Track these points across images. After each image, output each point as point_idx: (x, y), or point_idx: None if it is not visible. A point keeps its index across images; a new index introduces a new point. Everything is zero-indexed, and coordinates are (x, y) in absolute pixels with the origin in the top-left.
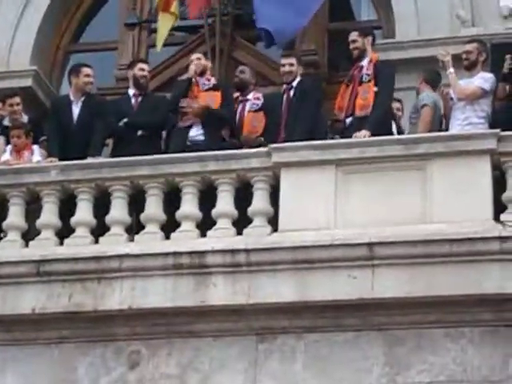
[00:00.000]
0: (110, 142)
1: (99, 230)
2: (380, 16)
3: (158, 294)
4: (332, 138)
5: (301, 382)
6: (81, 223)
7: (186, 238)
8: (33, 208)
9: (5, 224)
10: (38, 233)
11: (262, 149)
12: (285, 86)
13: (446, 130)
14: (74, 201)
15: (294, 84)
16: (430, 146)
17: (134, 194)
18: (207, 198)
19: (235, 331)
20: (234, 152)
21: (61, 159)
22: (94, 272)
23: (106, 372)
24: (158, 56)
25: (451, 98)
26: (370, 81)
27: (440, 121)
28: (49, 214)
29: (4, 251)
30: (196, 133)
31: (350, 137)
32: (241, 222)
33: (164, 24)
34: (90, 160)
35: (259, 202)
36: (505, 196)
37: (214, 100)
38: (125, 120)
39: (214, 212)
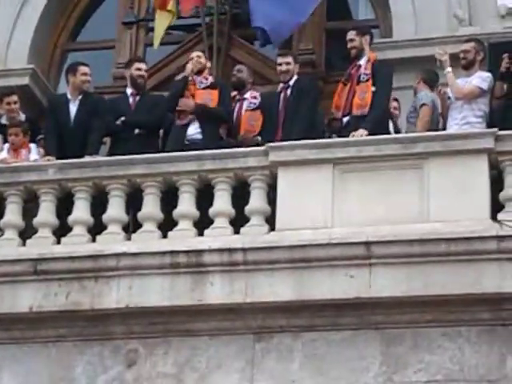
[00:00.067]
0: (107, 140)
1: (96, 229)
2: (377, 15)
3: (155, 292)
4: (329, 137)
5: (298, 381)
6: (78, 222)
7: (184, 237)
8: (30, 206)
9: (2, 222)
10: (35, 231)
11: (259, 148)
12: (282, 85)
13: (444, 129)
14: (71, 199)
15: (291, 83)
16: (427, 145)
17: (132, 193)
18: (204, 196)
19: (232, 330)
20: (232, 151)
21: (58, 158)
22: (91, 271)
23: (103, 370)
24: (156, 55)
25: (449, 98)
26: (367, 80)
27: (437, 120)
28: (46, 213)
29: (1, 249)
30: (193, 131)
31: (347, 136)
32: (238, 221)
33: (161, 22)
34: (87, 159)
35: (256, 200)
36: (502, 195)
37: (211, 98)
38: (122, 118)
39: (211, 211)
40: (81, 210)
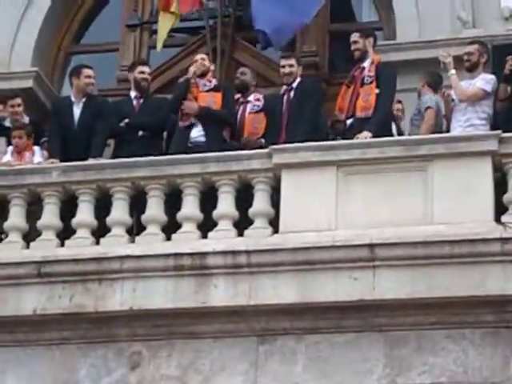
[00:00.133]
0: (111, 142)
1: (100, 231)
2: (381, 17)
3: (158, 295)
4: (333, 139)
5: None
6: (82, 224)
7: (187, 240)
8: (34, 209)
9: (6, 225)
10: (39, 234)
11: (262, 150)
12: (285, 87)
13: (448, 131)
14: (75, 202)
15: (294, 85)
16: (431, 147)
17: (135, 195)
18: (208, 199)
19: (236, 332)
20: (235, 153)
21: (62, 160)
22: (94, 273)
23: (106, 373)
24: (160, 57)
25: (452, 100)
26: (371, 82)
27: (441, 124)
28: (50, 215)
29: (5, 252)
30: (197, 134)
31: (351, 138)
32: (242, 224)
33: (164, 24)
34: (91, 161)
35: (260, 203)
36: (506, 197)
37: (214, 101)
38: (126, 120)
39: (214, 213)
40: (85, 213)
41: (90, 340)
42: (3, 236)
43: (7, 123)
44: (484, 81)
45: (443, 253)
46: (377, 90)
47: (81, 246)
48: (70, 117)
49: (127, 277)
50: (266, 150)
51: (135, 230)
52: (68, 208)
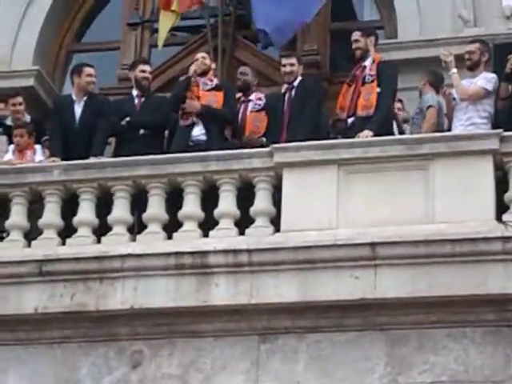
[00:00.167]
0: (112, 140)
1: (101, 230)
2: (382, 16)
3: (160, 293)
4: (334, 138)
5: (303, 382)
6: (83, 223)
7: (188, 238)
8: (35, 208)
9: (7, 223)
10: (41, 232)
11: (264, 149)
12: (286, 86)
13: (449, 130)
14: (76, 200)
15: (296, 84)
16: (432, 146)
17: (136, 194)
18: (209, 197)
19: (237, 331)
20: (236, 152)
21: (63, 159)
22: (96, 272)
23: (108, 372)
24: (161, 56)
25: (454, 99)
26: (372, 81)
27: (442, 123)
28: (51, 214)
29: (6, 251)
30: (198, 133)
31: (352, 137)
32: (243, 222)
33: (165, 22)
34: (92, 160)
35: (261, 202)
36: (507, 196)
37: (216, 100)
38: (127, 119)
39: (216, 212)
40: (86, 211)
41: (91, 339)
42: (4, 234)
43: (8, 122)
44: (485, 79)
45: (444, 252)
46: (378, 89)
47: (82, 244)
48: (71, 115)
49: (128, 275)
50: (267, 149)
51: (136, 228)
52: (69, 206)
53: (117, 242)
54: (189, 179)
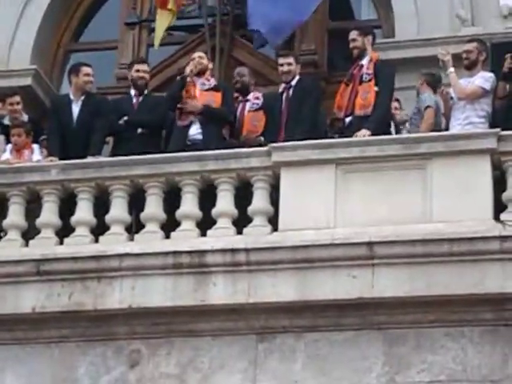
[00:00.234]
0: (110, 140)
1: (99, 230)
2: (380, 15)
3: (157, 293)
4: (332, 137)
5: (300, 381)
6: (81, 222)
7: (186, 238)
8: (33, 207)
9: (5, 223)
10: (38, 232)
11: (261, 148)
12: (284, 85)
13: (447, 129)
14: (74, 200)
15: (293, 83)
16: (430, 145)
17: (134, 194)
18: (207, 197)
19: (235, 330)
20: (234, 151)
21: (61, 158)
22: (93, 271)
23: (106, 371)
24: (159, 55)
25: (451, 98)
26: (370, 80)
27: (440, 123)
28: (49, 213)
29: (4, 250)
30: (195, 132)
31: (350, 136)
32: (241, 222)
33: (161, 22)
34: (90, 159)
35: (259, 201)
36: (505, 195)
37: (214, 100)
38: (125, 118)
39: (213, 211)
40: (83, 211)
41: (88, 338)
42: (2, 234)
43: (6, 121)
44: (483, 79)
45: (442, 251)
46: (375, 88)
47: (80, 244)
48: (68, 115)
49: (126, 275)
50: (265, 148)
51: (134, 228)
52: (67, 206)
53: (115, 242)
54: (186, 178)
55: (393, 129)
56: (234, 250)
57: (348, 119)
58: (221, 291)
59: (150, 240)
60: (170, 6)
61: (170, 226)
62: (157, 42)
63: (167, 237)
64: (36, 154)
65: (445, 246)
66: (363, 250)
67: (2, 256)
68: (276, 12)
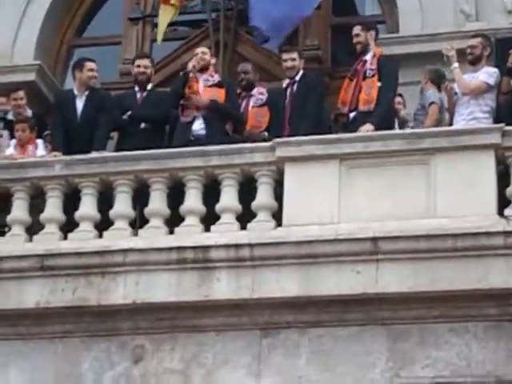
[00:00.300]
0: (114, 135)
1: (103, 225)
2: (384, 11)
3: (161, 288)
4: (336, 133)
5: (304, 377)
6: (85, 217)
7: (190, 233)
8: (37, 202)
9: (9, 218)
10: (42, 227)
11: (265, 143)
12: (288, 81)
13: (451, 124)
14: (78, 195)
15: (297, 78)
16: (434, 140)
17: (138, 189)
18: (211, 192)
19: (239, 326)
20: (238, 146)
21: (65, 153)
22: (97, 266)
23: (110, 366)
24: (162, 51)
25: (455, 93)
26: (373, 76)
27: (444, 120)
28: (53, 209)
29: (8, 245)
30: (198, 127)
31: (354, 131)
32: (245, 217)
33: (164, 17)
34: (94, 154)
35: (263, 196)
36: (509, 191)
37: (218, 96)
38: (128, 113)
39: (217, 207)
40: (88, 206)
41: (92, 333)
42: (6, 229)
43: (10, 116)
44: (487, 74)
45: (446, 246)
46: (379, 84)
47: (84, 239)
48: (72, 110)
49: (130, 270)
50: (269, 144)
51: (138, 223)
52: (71, 201)
53: (119, 237)
54: (190, 174)
55: (396, 124)
56: (237, 246)
57: (352, 114)
58: (225, 286)
59: (154, 235)
60: (172, 1)
61: (173, 221)
62: (159, 37)
63: (171, 232)
64: (40, 150)
65: (449, 241)
66: (367, 245)
67: (6, 251)
68: (276, 9)
